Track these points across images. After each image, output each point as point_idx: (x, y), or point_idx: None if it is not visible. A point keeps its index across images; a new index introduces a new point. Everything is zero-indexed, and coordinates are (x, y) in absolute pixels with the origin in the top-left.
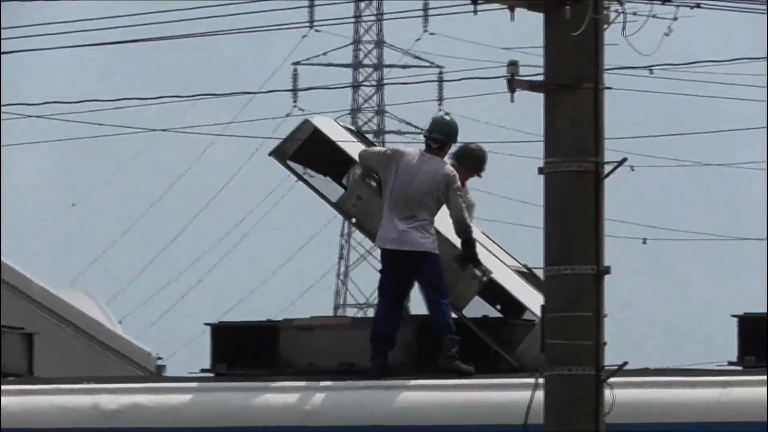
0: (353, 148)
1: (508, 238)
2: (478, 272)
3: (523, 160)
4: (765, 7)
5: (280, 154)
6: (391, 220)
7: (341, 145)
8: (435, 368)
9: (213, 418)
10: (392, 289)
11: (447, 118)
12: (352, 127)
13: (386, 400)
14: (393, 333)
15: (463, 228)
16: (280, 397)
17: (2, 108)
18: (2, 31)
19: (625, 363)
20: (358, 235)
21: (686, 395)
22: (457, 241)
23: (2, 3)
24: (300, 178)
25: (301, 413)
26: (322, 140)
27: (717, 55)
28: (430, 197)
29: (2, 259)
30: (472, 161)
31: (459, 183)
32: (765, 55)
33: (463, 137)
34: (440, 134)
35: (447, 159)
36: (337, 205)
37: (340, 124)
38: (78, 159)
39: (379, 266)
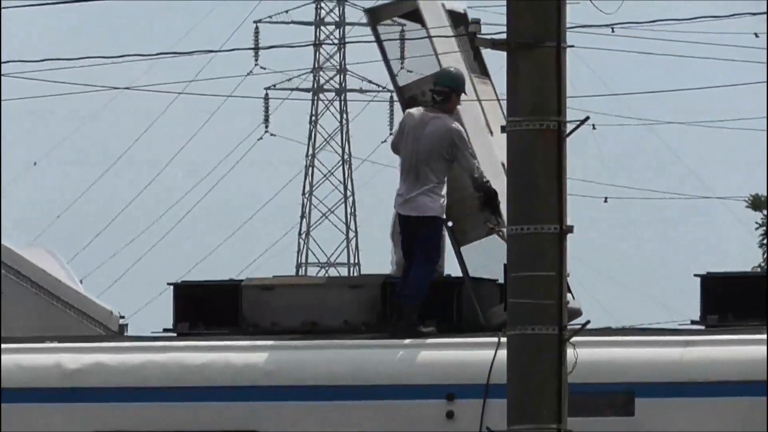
0: (443, 44)
1: None
2: (491, 221)
3: None
4: None
5: (373, 14)
6: (402, 185)
7: (433, 38)
8: (394, 331)
9: (175, 378)
10: (406, 251)
11: (451, 69)
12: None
13: (348, 359)
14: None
15: (478, 184)
16: (242, 356)
17: None
18: None
19: (588, 322)
20: (319, 193)
21: (651, 354)
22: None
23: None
24: (380, 48)
25: (264, 372)
26: (417, 22)
27: (678, 14)
28: (437, 158)
29: None
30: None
31: (466, 138)
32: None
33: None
34: (443, 86)
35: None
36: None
37: (447, 16)
38: (40, 117)
39: (341, 227)
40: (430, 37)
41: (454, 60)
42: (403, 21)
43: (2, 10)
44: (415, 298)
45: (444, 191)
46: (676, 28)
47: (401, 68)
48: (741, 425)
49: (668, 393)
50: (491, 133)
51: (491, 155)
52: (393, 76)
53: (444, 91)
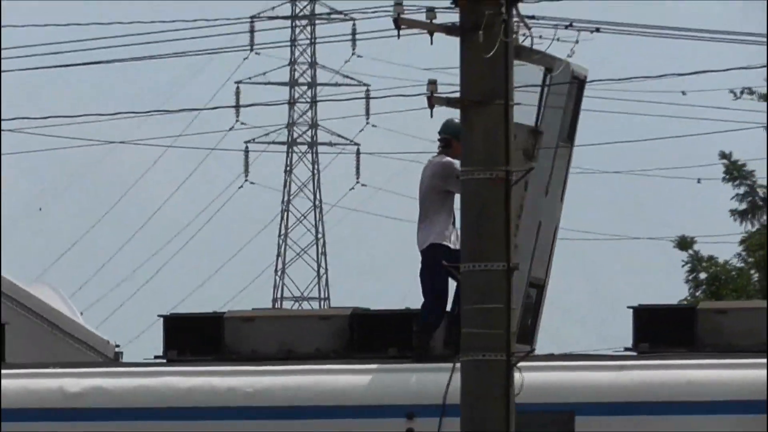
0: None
1: None
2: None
3: None
4: (656, 31)
5: (522, 49)
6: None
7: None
8: (414, 356)
9: (164, 400)
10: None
11: (454, 120)
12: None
13: (320, 382)
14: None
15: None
16: (225, 380)
17: None
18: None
19: (533, 350)
20: (294, 235)
21: (589, 377)
22: None
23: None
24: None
25: (244, 394)
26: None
27: (617, 74)
28: (433, 193)
29: None
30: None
31: (453, 170)
32: (660, 74)
33: (388, 148)
34: (445, 134)
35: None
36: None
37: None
38: (42, 167)
39: (313, 265)
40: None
41: (554, 118)
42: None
43: (11, 71)
44: (422, 325)
45: (443, 220)
46: (615, 86)
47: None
48: None
49: (604, 412)
50: (546, 193)
51: (532, 211)
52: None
53: (446, 139)
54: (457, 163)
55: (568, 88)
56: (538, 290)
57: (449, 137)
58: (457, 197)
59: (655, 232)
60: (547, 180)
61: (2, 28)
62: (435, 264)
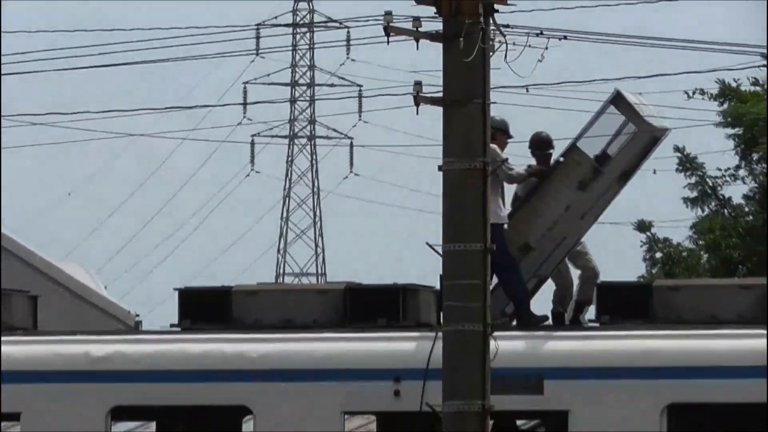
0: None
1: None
2: None
3: (426, 160)
4: (617, 38)
5: (619, 98)
6: None
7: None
8: (521, 326)
9: (179, 363)
10: None
11: (496, 117)
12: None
13: (317, 349)
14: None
15: (513, 179)
16: (232, 346)
17: (16, 117)
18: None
19: (507, 321)
20: (294, 218)
21: (556, 346)
22: None
23: (2, 3)
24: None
25: (249, 359)
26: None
27: (583, 77)
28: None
29: (16, 238)
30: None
31: (497, 156)
32: (618, 77)
33: (378, 141)
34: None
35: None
36: None
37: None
38: (72, 158)
39: (311, 245)
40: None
41: (619, 163)
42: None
43: (43, 72)
44: (514, 301)
45: (497, 202)
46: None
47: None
48: (631, 404)
49: (570, 376)
50: (582, 218)
51: (563, 228)
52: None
53: (491, 134)
54: (495, 147)
55: (644, 142)
56: (539, 281)
57: (492, 131)
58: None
59: (617, 217)
60: (588, 208)
61: (32, 33)
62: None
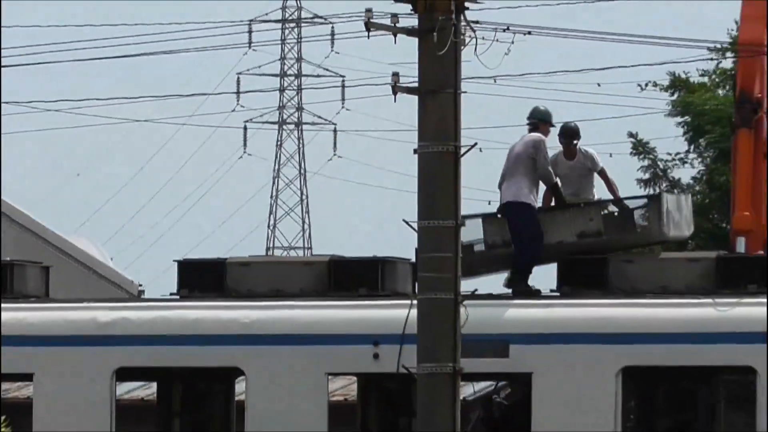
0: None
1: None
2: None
3: (403, 145)
4: (578, 33)
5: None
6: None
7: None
8: (516, 293)
9: (178, 328)
10: None
11: (540, 107)
12: None
13: (304, 315)
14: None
15: (546, 178)
16: (226, 313)
17: (33, 103)
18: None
19: (476, 290)
20: (283, 196)
21: (521, 313)
22: None
23: (2, 3)
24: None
25: (242, 324)
26: None
27: (546, 68)
28: (523, 159)
29: (30, 214)
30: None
31: (543, 148)
32: (581, 69)
33: (359, 127)
34: (533, 118)
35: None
36: None
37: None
38: (80, 141)
39: (298, 221)
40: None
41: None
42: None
43: (56, 63)
44: (521, 269)
45: (526, 181)
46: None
47: None
48: (588, 367)
49: (534, 341)
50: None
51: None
52: None
53: (533, 122)
54: (545, 140)
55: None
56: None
57: (536, 121)
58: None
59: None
60: (577, 249)
61: (46, 27)
62: (513, 218)
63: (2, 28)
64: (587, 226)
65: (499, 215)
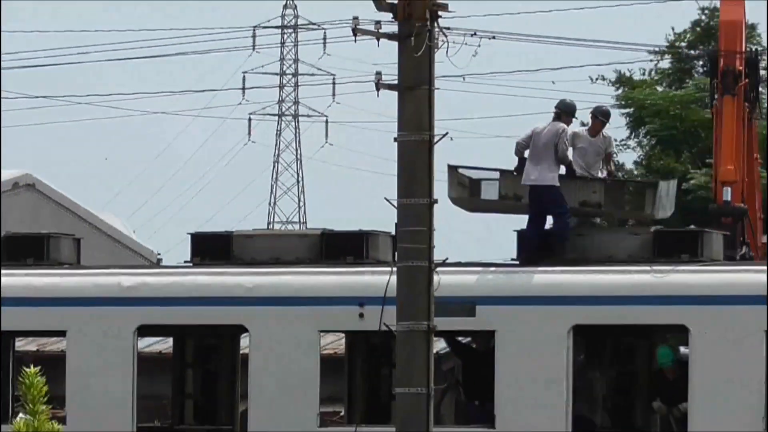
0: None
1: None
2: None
3: (385, 134)
4: (535, 38)
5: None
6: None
7: None
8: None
9: (191, 291)
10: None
11: (566, 100)
12: None
13: (298, 280)
14: (536, 239)
15: (564, 161)
16: (232, 278)
17: (66, 98)
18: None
19: (446, 258)
20: (282, 178)
21: (486, 279)
22: None
23: (2, 3)
24: None
25: (246, 287)
26: None
27: (509, 68)
28: (549, 146)
29: (65, 193)
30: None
31: (564, 136)
32: (537, 69)
33: (348, 119)
34: (557, 108)
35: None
36: None
37: None
38: (108, 129)
39: (295, 199)
40: None
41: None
42: None
43: (88, 63)
44: (558, 238)
45: (551, 166)
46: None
47: None
48: (544, 325)
49: (497, 303)
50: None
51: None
52: None
53: (556, 112)
54: (567, 129)
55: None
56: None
57: (559, 111)
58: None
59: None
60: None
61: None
62: (542, 199)
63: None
64: (590, 197)
65: (515, 173)
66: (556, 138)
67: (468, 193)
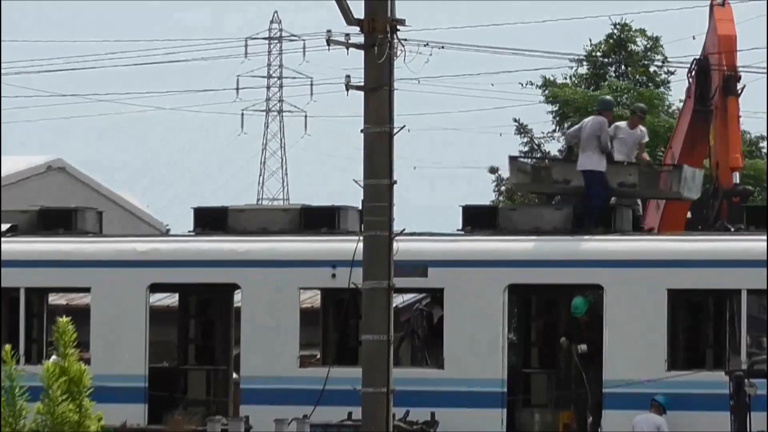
0: None
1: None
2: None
3: (355, 127)
4: (478, 47)
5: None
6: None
7: None
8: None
9: (194, 256)
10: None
11: (605, 98)
12: None
13: (283, 247)
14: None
15: (605, 150)
16: (227, 245)
17: (92, 96)
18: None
19: (404, 229)
20: (269, 162)
21: (436, 246)
22: None
23: (2, 3)
24: None
25: (238, 252)
26: None
27: (456, 72)
28: (592, 137)
29: (89, 174)
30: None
31: (605, 128)
32: (479, 73)
33: (323, 114)
34: (596, 105)
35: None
36: None
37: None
38: (125, 123)
39: (279, 180)
40: None
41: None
42: None
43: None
44: (589, 217)
45: (596, 154)
46: (457, 80)
47: None
48: (483, 284)
49: (445, 265)
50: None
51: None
52: None
53: (596, 109)
54: (606, 122)
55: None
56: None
57: (600, 108)
58: None
59: (474, 164)
60: (616, 194)
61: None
62: (591, 182)
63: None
64: (626, 179)
65: (567, 160)
66: (597, 131)
67: (530, 179)
